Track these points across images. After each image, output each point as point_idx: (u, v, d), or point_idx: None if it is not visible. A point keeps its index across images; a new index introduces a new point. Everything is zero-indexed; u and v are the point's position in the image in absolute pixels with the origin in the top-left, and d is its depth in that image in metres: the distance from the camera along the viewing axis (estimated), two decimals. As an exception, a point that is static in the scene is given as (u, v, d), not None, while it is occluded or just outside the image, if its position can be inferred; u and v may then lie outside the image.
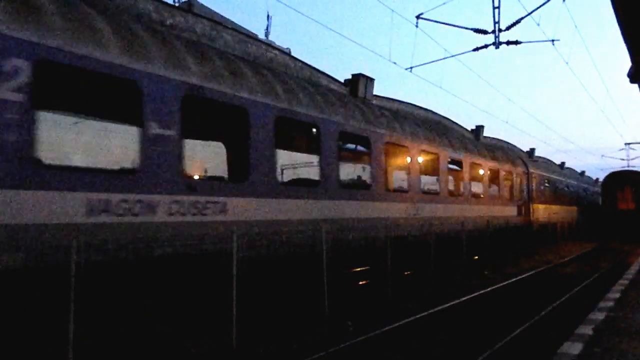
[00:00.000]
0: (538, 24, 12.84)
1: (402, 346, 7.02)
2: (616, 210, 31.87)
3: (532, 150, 39.73)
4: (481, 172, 18.62)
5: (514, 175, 22.06)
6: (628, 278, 11.64)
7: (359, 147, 12.88)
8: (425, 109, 27.49)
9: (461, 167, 17.02)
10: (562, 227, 29.13)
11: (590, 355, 5.38)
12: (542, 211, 25.69)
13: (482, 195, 18.40)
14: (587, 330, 6.47)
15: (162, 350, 6.53)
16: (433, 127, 17.26)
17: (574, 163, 77.16)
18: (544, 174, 27.36)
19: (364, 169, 13.76)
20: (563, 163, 45.25)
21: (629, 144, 38.25)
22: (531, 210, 23.84)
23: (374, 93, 18.48)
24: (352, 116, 11.35)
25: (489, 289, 11.55)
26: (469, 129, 31.71)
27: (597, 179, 52.00)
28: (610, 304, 8.31)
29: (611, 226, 31.42)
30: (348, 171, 13.36)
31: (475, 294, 10.88)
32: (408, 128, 14.07)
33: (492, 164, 19.50)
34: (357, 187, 12.43)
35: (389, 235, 11.12)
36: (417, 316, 8.58)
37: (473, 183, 18.09)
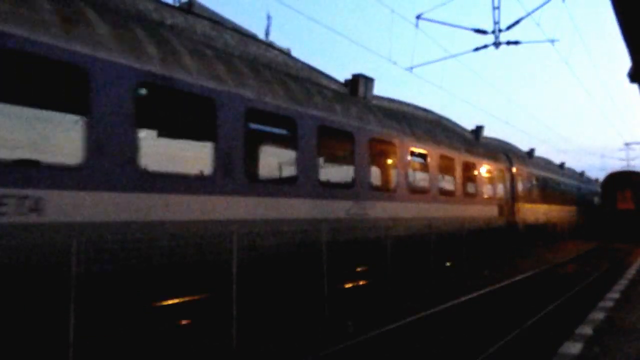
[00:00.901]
0: (538, 24, 12.85)
1: (402, 346, 7.02)
2: (616, 211, 31.87)
3: (532, 150, 39.74)
4: (454, 166, 16.28)
5: (495, 171, 19.85)
6: (628, 278, 11.64)
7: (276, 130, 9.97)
8: (425, 110, 27.48)
9: (426, 160, 14.54)
10: (555, 228, 28.03)
11: (590, 355, 5.38)
12: (529, 211, 23.69)
13: (455, 193, 16.09)
14: (587, 330, 6.48)
15: (162, 349, 6.53)
16: (396, 114, 14.66)
17: (574, 163, 77.17)
18: (533, 171, 25.26)
19: (286, 158, 11.28)
20: (563, 163, 45.25)
21: (628, 144, 38.40)
22: (516, 209, 21.72)
23: (374, 93, 18.47)
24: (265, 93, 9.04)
25: (488, 289, 11.55)
26: (469, 129, 31.73)
27: (597, 179, 52.02)
28: (610, 303, 8.32)
29: (611, 226, 31.43)
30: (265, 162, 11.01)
31: (476, 294, 10.88)
32: (355, 111, 11.80)
33: (467, 158, 17.21)
34: (276, 182, 9.70)
35: (305, 241, 8.88)
36: (417, 316, 8.57)
37: (443, 179, 16.10)
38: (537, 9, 12.13)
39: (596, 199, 41.39)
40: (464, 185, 16.63)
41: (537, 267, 16.18)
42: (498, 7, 12.53)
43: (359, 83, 14.80)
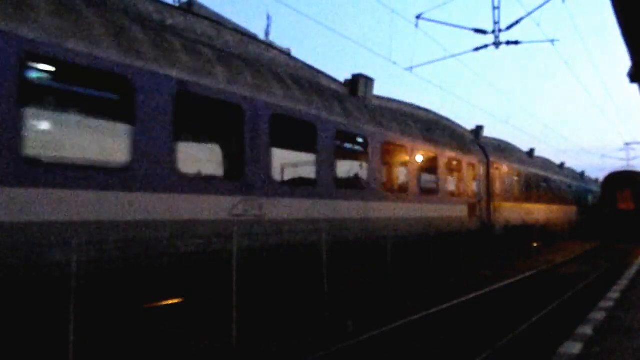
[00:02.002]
0: (538, 24, 12.85)
1: (402, 346, 7.02)
2: (616, 211, 31.87)
3: (532, 150, 39.74)
4: (406, 157, 13.63)
5: (465, 165, 17.02)
6: (628, 278, 11.64)
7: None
8: (426, 109, 27.50)
9: (365, 148, 11.73)
10: (547, 229, 26.41)
11: (590, 355, 5.38)
12: (509, 211, 20.99)
13: (405, 189, 13.51)
14: (587, 330, 6.48)
15: (162, 349, 6.53)
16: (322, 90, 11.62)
17: (574, 163, 77.18)
18: (515, 166, 22.63)
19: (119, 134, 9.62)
20: (563, 163, 45.24)
21: (628, 144, 38.38)
22: (492, 209, 19.04)
23: (374, 93, 18.46)
24: None
25: (488, 289, 11.55)
26: (469, 129, 31.74)
27: (597, 179, 52.01)
28: (611, 303, 8.31)
29: (611, 226, 31.42)
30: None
31: (476, 294, 10.87)
32: (249, 76, 8.96)
33: (426, 148, 14.37)
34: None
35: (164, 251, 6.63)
36: (418, 316, 8.57)
37: (389, 171, 14.38)
38: (537, 9, 12.13)
39: (591, 198, 40.21)
40: (418, 179, 13.76)
41: (537, 267, 16.17)
42: (498, 7, 12.53)
43: (359, 83, 14.80)
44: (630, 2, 6.89)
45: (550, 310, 9.25)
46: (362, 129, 11.68)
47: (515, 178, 22.52)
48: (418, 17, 13.24)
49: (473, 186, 17.85)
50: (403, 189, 13.74)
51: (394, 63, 15.56)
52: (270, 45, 13.97)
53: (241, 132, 8.24)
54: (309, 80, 11.88)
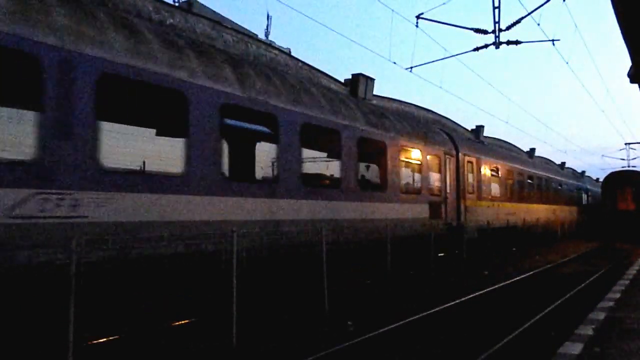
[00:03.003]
0: (538, 24, 12.85)
1: (402, 346, 7.01)
2: (616, 211, 31.85)
3: (532, 150, 39.75)
4: (335, 144, 10.93)
5: (426, 157, 14.41)
6: (628, 278, 11.63)
7: None
8: (426, 109, 27.54)
9: (278, 131, 9.25)
10: (535, 231, 24.49)
11: (591, 355, 5.38)
12: (486, 211, 18.45)
13: (341, 184, 10.80)
14: (587, 330, 6.47)
15: (163, 349, 6.53)
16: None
17: (575, 163, 77.32)
18: (493, 160, 19.86)
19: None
20: (563, 163, 45.26)
21: (629, 144, 38.27)
22: (463, 209, 16.58)
23: (374, 93, 18.48)
24: None
25: (489, 289, 11.54)
26: (469, 128, 31.75)
27: (598, 178, 52.01)
28: (611, 304, 8.31)
29: (611, 226, 31.40)
30: None
31: (476, 293, 10.87)
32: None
33: (369, 133, 11.79)
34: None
35: None
36: (418, 316, 8.57)
37: (315, 162, 12.42)
38: (537, 8, 12.14)
39: (586, 197, 38.53)
40: (355, 172, 11.31)
41: (537, 267, 16.16)
42: (498, 7, 12.54)
43: (359, 83, 14.83)
44: (631, 2, 6.88)
45: (551, 311, 9.24)
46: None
47: (494, 174, 19.90)
48: (418, 17, 13.25)
49: (437, 182, 15.32)
50: (333, 184, 10.97)
51: (394, 63, 15.58)
52: (270, 45, 13.94)
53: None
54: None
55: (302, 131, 9.65)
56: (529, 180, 24.84)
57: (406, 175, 14.00)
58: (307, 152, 10.70)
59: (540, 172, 27.41)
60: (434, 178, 15.33)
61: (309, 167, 11.01)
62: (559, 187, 30.94)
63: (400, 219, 12.67)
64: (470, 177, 17.45)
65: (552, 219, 28.41)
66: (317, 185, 10.62)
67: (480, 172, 18.42)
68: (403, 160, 13.42)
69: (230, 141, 10.19)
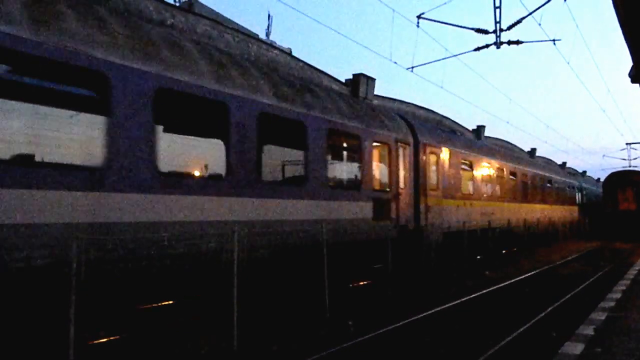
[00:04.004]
0: (539, 24, 12.84)
1: (402, 346, 7.01)
2: (617, 211, 31.84)
3: (533, 150, 39.71)
4: (233, 125, 8.21)
5: (367, 145, 11.69)
6: (629, 278, 11.63)
7: None
8: (426, 109, 27.53)
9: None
10: (514, 233, 21.55)
11: (592, 355, 5.37)
12: (452, 211, 15.66)
13: (238, 177, 8.23)
14: (588, 330, 6.47)
15: (163, 350, 6.53)
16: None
17: (576, 163, 77.31)
18: (464, 152, 17.12)
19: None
20: (564, 163, 45.22)
21: (630, 144, 38.19)
22: (422, 209, 13.89)
23: (375, 93, 18.46)
24: None
25: (489, 289, 11.54)
26: (470, 128, 31.74)
27: (599, 178, 51.97)
28: (612, 304, 8.31)
29: (612, 226, 31.39)
30: None
31: (477, 293, 10.87)
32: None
33: (284, 112, 9.32)
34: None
35: None
36: (418, 316, 8.57)
37: (207, 148, 9.10)
38: (538, 8, 12.13)
39: (580, 196, 36.30)
40: (256, 162, 8.64)
41: (538, 267, 16.15)
42: (499, 7, 12.53)
43: (360, 83, 14.82)
44: (632, 2, 6.87)
45: (551, 311, 9.24)
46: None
47: (467, 168, 17.43)
48: (419, 17, 13.25)
49: (385, 175, 12.74)
50: (212, 176, 8.17)
51: (395, 63, 15.58)
52: (271, 45, 13.96)
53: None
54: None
55: (155, 101, 6.92)
56: (512, 177, 22.21)
57: (338, 166, 11.63)
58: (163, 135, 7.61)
59: (527, 168, 24.75)
60: (381, 170, 12.76)
61: (170, 153, 7.66)
62: (549, 185, 28.43)
63: (328, 220, 9.88)
64: (434, 171, 14.84)
65: (542, 219, 26.22)
66: (181, 177, 7.52)
67: (448, 165, 15.74)
68: (332, 147, 10.87)
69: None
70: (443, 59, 14.85)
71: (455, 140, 17.32)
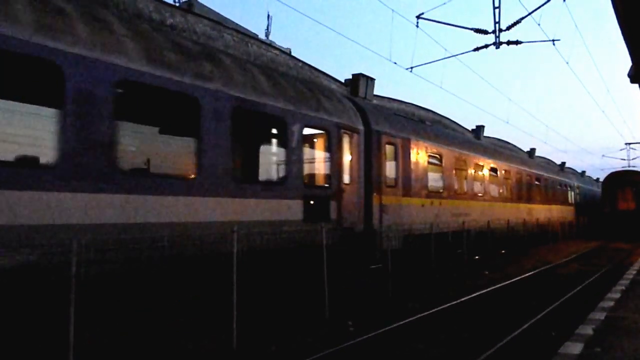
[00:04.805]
0: (538, 24, 12.85)
1: (402, 346, 7.01)
2: (616, 211, 31.87)
3: (533, 150, 39.75)
4: (69, 99, 6.05)
5: (296, 130, 9.63)
6: (629, 278, 11.64)
7: None
8: (426, 109, 27.57)
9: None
10: (494, 235, 18.74)
11: (591, 355, 5.38)
12: (414, 211, 13.54)
13: (78, 168, 6.15)
14: (587, 330, 6.48)
15: (162, 350, 6.53)
16: None
17: (575, 163, 77.32)
18: (432, 144, 15.01)
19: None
20: (564, 163, 45.27)
21: (629, 144, 38.30)
22: (375, 208, 11.80)
23: (375, 93, 18.49)
24: None
25: (490, 289, 11.54)
26: (470, 128, 31.77)
27: (598, 178, 52.01)
28: (611, 304, 8.31)
29: (612, 226, 31.41)
30: None
31: (477, 293, 10.87)
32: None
33: (161, 81, 7.23)
34: None
35: None
36: (418, 316, 8.56)
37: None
38: (537, 8, 12.14)
39: (573, 195, 33.93)
40: (108, 146, 6.55)
41: (537, 267, 16.15)
42: (498, 7, 12.54)
43: (359, 83, 14.83)
44: (631, 2, 6.88)
45: (551, 310, 9.24)
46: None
47: (437, 163, 15.32)
48: (418, 17, 13.25)
49: (322, 169, 10.97)
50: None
51: (395, 63, 15.59)
52: (270, 45, 13.94)
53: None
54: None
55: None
56: (493, 173, 20.01)
57: (250, 155, 10.01)
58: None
59: (512, 164, 22.62)
60: (317, 162, 11.14)
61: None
62: (538, 183, 26.30)
63: (234, 223, 7.72)
64: (392, 165, 12.85)
65: (530, 220, 24.14)
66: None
67: (411, 158, 13.60)
68: (242, 131, 8.88)
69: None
70: (442, 59, 14.86)
71: (421, 130, 15.03)
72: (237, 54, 11.41)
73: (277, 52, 15.22)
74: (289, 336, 7.29)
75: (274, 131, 9.93)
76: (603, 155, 49.75)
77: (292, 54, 17.50)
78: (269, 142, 10.28)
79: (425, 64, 15.28)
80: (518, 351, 6.76)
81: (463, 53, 14.42)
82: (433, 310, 8.99)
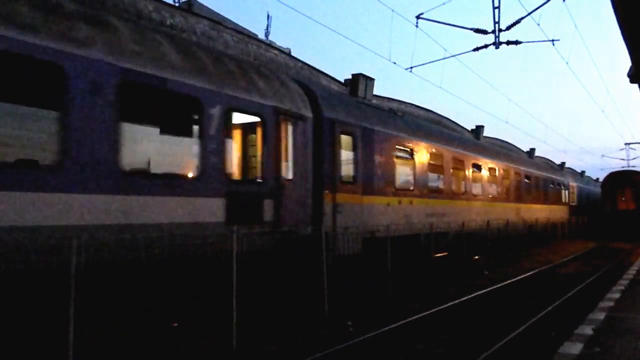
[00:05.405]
0: (538, 24, 12.85)
1: (402, 346, 7.02)
2: (616, 211, 31.88)
3: (532, 150, 39.77)
4: None
5: (215, 114, 7.93)
6: (628, 278, 11.64)
7: None
8: (426, 109, 27.57)
9: None
10: (476, 236, 16.97)
11: (591, 355, 5.38)
12: (376, 211, 11.79)
13: None
14: (587, 330, 6.48)
15: (162, 350, 6.53)
16: None
17: (574, 163, 77.37)
18: (399, 135, 13.23)
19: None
20: (563, 163, 45.29)
21: (628, 144, 38.34)
22: (326, 208, 10.20)
23: (374, 93, 18.48)
24: None
25: (490, 289, 11.54)
26: (469, 128, 31.79)
27: (597, 178, 52.04)
28: (611, 304, 8.31)
29: (611, 226, 31.41)
30: None
31: (477, 293, 10.87)
32: None
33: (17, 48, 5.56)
34: None
35: None
36: (418, 316, 8.57)
37: None
38: (537, 8, 12.14)
39: (567, 194, 32.53)
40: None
41: (537, 267, 16.15)
42: (498, 7, 12.54)
43: (359, 83, 14.82)
44: (631, 2, 6.89)
45: (551, 310, 9.25)
46: None
47: (407, 156, 13.78)
48: (418, 17, 13.25)
49: (255, 161, 9.39)
50: None
51: (394, 63, 15.58)
52: (270, 45, 13.94)
53: None
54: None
55: None
56: (475, 170, 18.42)
57: (148, 143, 8.09)
58: None
59: (496, 161, 20.86)
60: (249, 154, 9.81)
61: None
62: (527, 181, 24.70)
63: (118, 227, 6.44)
64: (349, 158, 11.29)
65: (516, 220, 22.14)
66: None
67: (375, 151, 12.02)
68: (133, 112, 7.25)
69: None
70: (442, 59, 14.86)
71: (387, 120, 13.28)
72: (145, 23, 9.46)
73: (276, 52, 15.22)
74: (289, 336, 7.29)
75: (185, 114, 7.97)
76: (603, 155, 49.86)
77: (292, 54, 17.51)
78: (178, 127, 8.15)
79: (424, 64, 15.29)
80: (518, 351, 6.77)
81: (463, 53, 14.43)
82: (433, 310, 9.00)
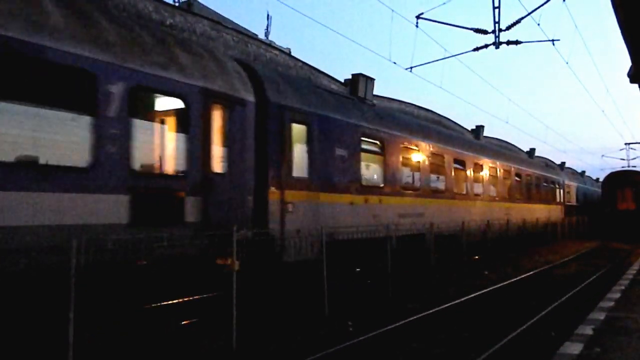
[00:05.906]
0: (538, 24, 12.85)
1: (402, 346, 7.01)
2: (616, 211, 31.86)
3: (532, 150, 39.78)
4: None
5: (113, 93, 6.44)
6: (628, 278, 11.64)
7: None
8: (426, 109, 27.58)
9: None
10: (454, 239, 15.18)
11: (591, 355, 5.38)
12: (335, 210, 10.49)
13: None
14: (587, 330, 6.48)
15: (162, 350, 6.53)
16: None
17: (574, 163, 77.26)
18: (362, 124, 11.76)
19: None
20: (563, 163, 45.29)
21: (629, 144, 38.26)
22: (272, 207, 8.98)
23: (374, 93, 18.48)
24: None
25: (490, 289, 11.54)
26: (469, 128, 31.79)
27: (597, 178, 52.02)
28: (611, 304, 8.31)
29: (611, 226, 31.40)
30: None
31: (477, 293, 10.87)
32: None
33: None
34: None
35: None
36: (418, 316, 8.57)
37: None
38: (537, 8, 12.14)
39: (561, 193, 31.58)
40: None
41: (537, 267, 16.14)
42: (498, 7, 12.54)
43: (359, 83, 14.82)
44: (631, 2, 6.89)
45: (551, 310, 9.24)
46: None
47: (374, 150, 12.38)
48: (418, 17, 13.26)
49: (173, 151, 8.06)
50: None
51: (394, 63, 15.58)
52: (270, 45, 13.95)
53: None
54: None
55: None
56: (457, 165, 16.97)
57: (19, 128, 6.21)
58: None
59: (482, 156, 19.47)
60: (166, 143, 8.24)
61: None
62: (518, 179, 23.44)
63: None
64: (303, 150, 9.98)
65: (503, 221, 20.43)
66: None
67: (336, 144, 10.78)
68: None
69: None
70: (442, 59, 14.85)
71: (350, 108, 11.83)
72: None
73: (276, 52, 15.23)
74: (289, 336, 7.29)
75: (73, 91, 6.45)
76: (603, 155, 49.71)
77: (292, 54, 17.52)
78: (63, 107, 6.53)
79: (425, 64, 15.28)
80: (518, 351, 6.76)
81: (463, 53, 14.43)
82: (433, 310, 9.00)
